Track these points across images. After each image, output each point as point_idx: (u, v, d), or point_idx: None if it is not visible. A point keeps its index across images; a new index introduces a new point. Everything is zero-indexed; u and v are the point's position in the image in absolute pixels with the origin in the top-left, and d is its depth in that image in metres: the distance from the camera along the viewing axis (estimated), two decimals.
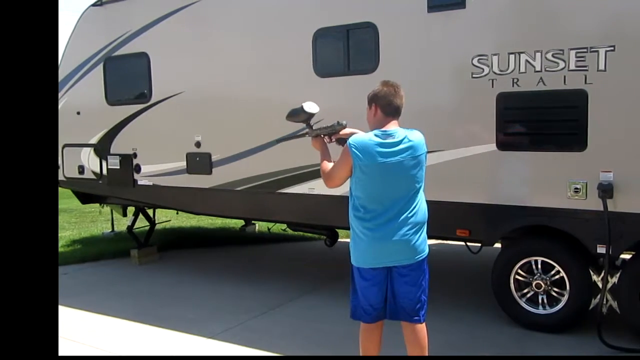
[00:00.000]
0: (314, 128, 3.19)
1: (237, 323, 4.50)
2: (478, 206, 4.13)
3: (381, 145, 2.80)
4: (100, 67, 6.27)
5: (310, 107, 3.16)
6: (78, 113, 6.64)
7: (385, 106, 2.89)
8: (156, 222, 7.08)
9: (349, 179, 2.92)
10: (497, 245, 4.53)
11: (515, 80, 3.89)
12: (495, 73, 3.96)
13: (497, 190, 4.07)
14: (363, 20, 4.44)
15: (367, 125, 2.98)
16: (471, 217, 4.19)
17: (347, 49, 4.52)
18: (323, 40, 4.67)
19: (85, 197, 7.11)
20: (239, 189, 5.27)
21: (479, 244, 4.59)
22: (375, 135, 2.84)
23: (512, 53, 3.88)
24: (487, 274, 4.41)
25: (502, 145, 4.00)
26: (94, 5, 6.27)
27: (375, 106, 2.93)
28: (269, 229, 7.07)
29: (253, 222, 7.90)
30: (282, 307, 4.87)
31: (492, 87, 3.97)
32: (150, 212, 6.98)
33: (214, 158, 5.41)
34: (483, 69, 4.00)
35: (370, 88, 2.98)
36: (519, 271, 4.13)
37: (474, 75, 4.03)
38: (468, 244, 4.72)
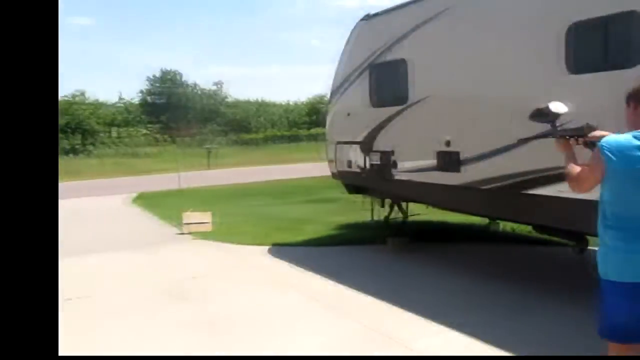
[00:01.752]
0: (559, 129, 3.02)
1: (470, 318, 4.58)
2: None
3: None
4: (367, 73, 6.95)
5: (556, 107, 3.01)
6: (348, 115, 7.45)
7: None
8: (409, 214, 7.50)
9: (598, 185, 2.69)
10: None
11: None
12: None
13: None
14: (624, 10, 3.96)
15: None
16: None
17: (604, 42, 4.11)
18: (577, 34, 4.33)
19: (351, 188, 7.95)
20: (484, 187, 5.28)
21: None
22: (635, 137, 2.56)
23: None
24: None
25: None
26: (362, 20, 7.00)
27: (634, 104, 2.64)
28: (513, 230, 6.79)
29: (497, 220, 7.68)
30: (517, 311, 4.75)
31: None
32: (404, 205, 7.42)
33: (462, 157, 5.53)
34: None
35: (630, 84, 2.70)
36: None
37: None
38: None
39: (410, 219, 7.75)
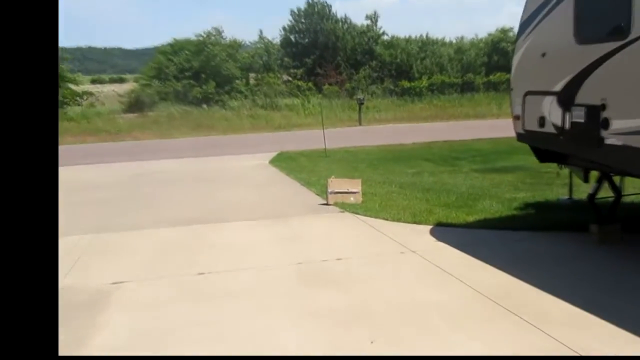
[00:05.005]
0: None
1: None
2: None
3: None
4: None
5: None
6: (543, 55, 6.96)
7: None
8: (623, 193, 6.88)
9: None
10: None
11: None
12: None
13: None
14: None
15: None
16: None
17: None
18: None
19: (543, 155, 7.52)
20: None
21: None
22: None
23: None
24: None
25: None
26: None
27: None
28: None
29: None
30: None
31: None
32: (617, 179, 6.82)
33: None
34: None
35: None
36: None
37: None
38: None
39: (626, 199, 7.10)
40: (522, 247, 6.78)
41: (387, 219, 8.33)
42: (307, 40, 44.11)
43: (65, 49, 40.32)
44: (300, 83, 39.95)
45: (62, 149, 22.36)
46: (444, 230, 7.60)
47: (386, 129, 25.83)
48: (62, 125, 28.22)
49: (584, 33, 6.29)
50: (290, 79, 41.78)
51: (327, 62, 41.66)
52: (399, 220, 8.25)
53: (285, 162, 15.57)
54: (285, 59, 43.60)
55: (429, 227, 7.81)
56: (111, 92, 40.87)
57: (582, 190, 7.41)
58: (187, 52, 38.52)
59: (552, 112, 6.81)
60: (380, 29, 45.15)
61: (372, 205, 9.18)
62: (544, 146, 7.26)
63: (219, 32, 41.40)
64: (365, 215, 8.65)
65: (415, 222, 8.06)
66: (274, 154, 17.24)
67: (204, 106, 35.59)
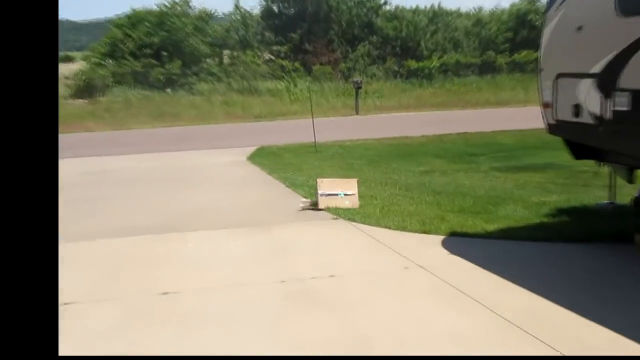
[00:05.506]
0: None
1: None
2: None
3: None
4: None
5: None
6: (579, 29, 6.97)
7: None
8: None
9: None
10: None
11: None
12: None
13: None
14: None
15: None
16: None
17: None
18: None
19: (578, 150, 7.53)
20: None
21: None
22: None
23: None
24: None
25: None
26: None
27: None
28: None
29: None
30: None
31: None
32: None
33: None
34: None
35: None
36: None
37: None
38: None
39: None
40: (553, 261, 6.78)
41: (389, 228, 8.32)
42: (293, 10, 44.06)
43: None
44: (284, 63, 39.91)
45: None
46: (458, 241, 7.60)
47: (389, 118, 25.85)
48: None
49: (630, 2, 6.29)
50: (272, 57, 41.74)
51: (317, 37, 41.64)
52: (403, 228, 8.24)
53: (266, 158, 15.53)
54: (267, 33, 43.51)
55: (440, 237, 7.80)
56: None
57: (626, 193, 7.41)
58: (147, 24, 38.35)
59: (590, 99, 6.82)
60: None
61: (371, 211, 9.17)
62: (580, 139, 7.27)
63: (185, 1, 41.25)
64: (363, 222, 8.63)
65: (423, 232, 8.04)
66: (253, 148, 17.19)
67: (168, 90, 35.49)
